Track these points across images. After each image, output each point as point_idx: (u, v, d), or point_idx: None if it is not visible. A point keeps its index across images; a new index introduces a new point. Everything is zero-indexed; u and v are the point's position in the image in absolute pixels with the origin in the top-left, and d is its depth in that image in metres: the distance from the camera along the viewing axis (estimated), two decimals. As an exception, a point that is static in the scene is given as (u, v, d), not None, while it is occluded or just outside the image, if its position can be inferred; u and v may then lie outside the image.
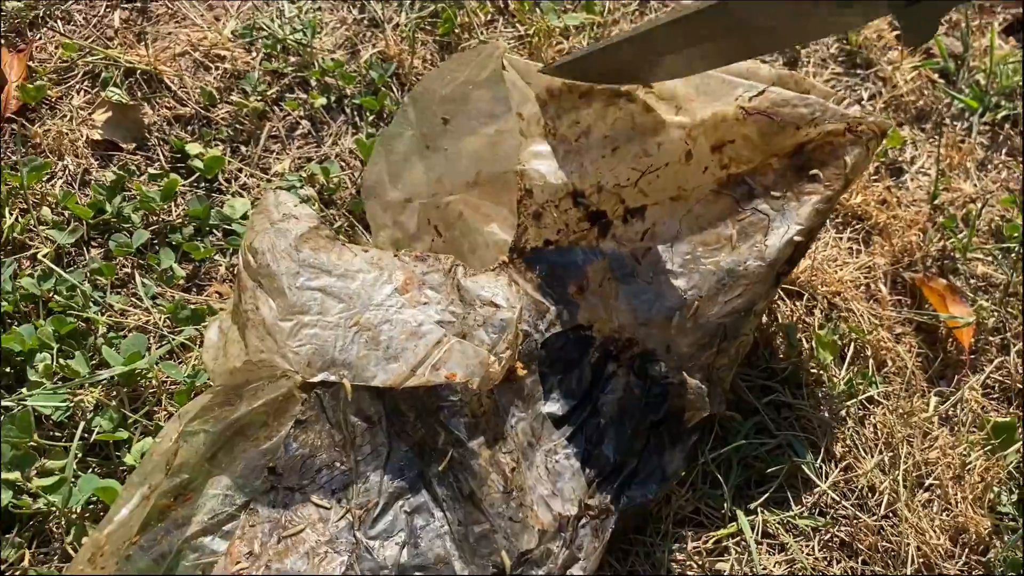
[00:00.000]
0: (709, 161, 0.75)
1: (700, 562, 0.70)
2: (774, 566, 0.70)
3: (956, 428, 0.79)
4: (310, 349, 0.64)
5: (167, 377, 0.69)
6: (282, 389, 0.67)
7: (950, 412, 0.80)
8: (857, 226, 0.90)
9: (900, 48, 1.04)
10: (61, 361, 0.67)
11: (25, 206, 0.76)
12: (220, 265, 0.77)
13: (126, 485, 0.59)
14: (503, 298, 0.70)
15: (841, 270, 0.86)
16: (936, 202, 0.92)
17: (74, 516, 0.63)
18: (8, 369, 0.68)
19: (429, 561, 0.62)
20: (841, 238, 0.89)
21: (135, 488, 0.58)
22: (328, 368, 0.64)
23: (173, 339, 0.71)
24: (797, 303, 0.84)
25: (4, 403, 0.65)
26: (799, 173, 0.74)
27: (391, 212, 0.77)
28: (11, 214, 0.74)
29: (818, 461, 0.75)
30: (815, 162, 0.74)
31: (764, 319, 0.81)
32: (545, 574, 0.65)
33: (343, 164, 0.85)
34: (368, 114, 0.89)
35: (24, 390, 0.66)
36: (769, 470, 0.74)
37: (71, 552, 0.62)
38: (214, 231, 0.79)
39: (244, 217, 0.79)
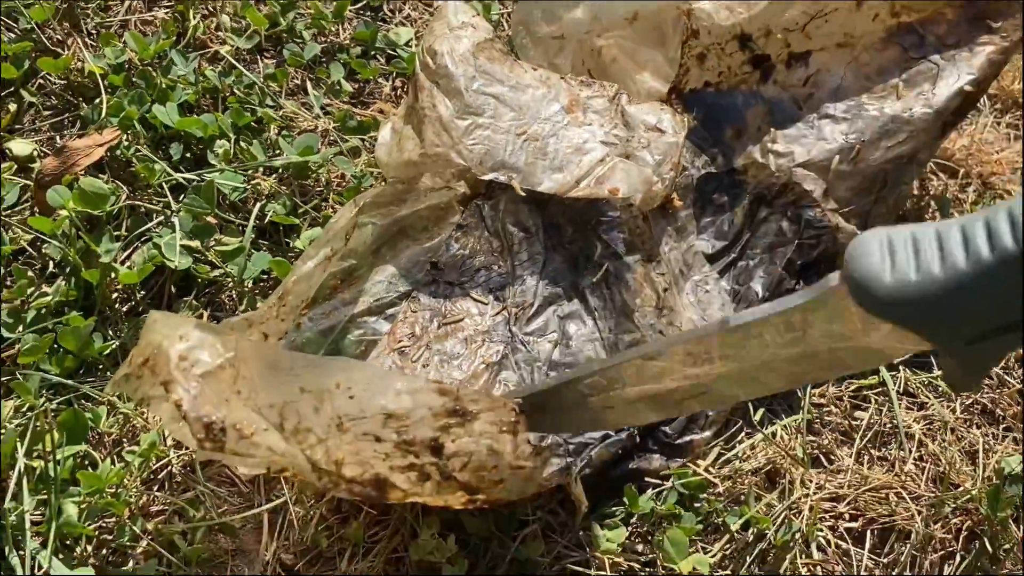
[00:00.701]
0: (880, 7, 0.74)
1: (841, 407, 0.69)
2: (913, 421, 0.70)
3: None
4: (482, 149, 0.65)
5: (337, 174, 0.71)
6: (444, 198, 0.69)
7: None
8: (1017, 113, 0.88)
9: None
10: (241, 144, 0.70)
11: (207, 12, 0.79)
12: (384, 87, 0.80)
13: (309, 247, 0.61)
14: (668, 124, 0.70)
15: (998, 154, 0.84)
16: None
17: (246, 289, 0.66)
18: (188, 155, 0.71)
19: (579, 361, 0.64)
20: (999, 123, 0.87)
21: (319, 248, 0.61)
22: (498, 169, 0.65)
23: (345, 139, 0.73)
24: (951, 180, 0.82)
25: (187, 175, 0.68)
26: (974, 23, 0.72)
27: (543, 49, 0.77)
28: (194, 16, 0.77)
29: (965, 327, 0.73)
30: (992, 12, 0.72)
31: (916, 191, 0.80)
32: (689, 392, 0.66)
33: (501, 4, 0.86)
34: (528, -37, 0.89)
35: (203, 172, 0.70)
36: (914, 331, 0.73)
37: (242, 321, 0.66)
38: (378, 56, 0.81)
39: (408, 44, 0.81)
